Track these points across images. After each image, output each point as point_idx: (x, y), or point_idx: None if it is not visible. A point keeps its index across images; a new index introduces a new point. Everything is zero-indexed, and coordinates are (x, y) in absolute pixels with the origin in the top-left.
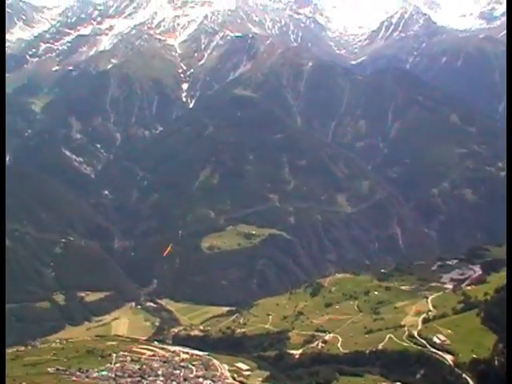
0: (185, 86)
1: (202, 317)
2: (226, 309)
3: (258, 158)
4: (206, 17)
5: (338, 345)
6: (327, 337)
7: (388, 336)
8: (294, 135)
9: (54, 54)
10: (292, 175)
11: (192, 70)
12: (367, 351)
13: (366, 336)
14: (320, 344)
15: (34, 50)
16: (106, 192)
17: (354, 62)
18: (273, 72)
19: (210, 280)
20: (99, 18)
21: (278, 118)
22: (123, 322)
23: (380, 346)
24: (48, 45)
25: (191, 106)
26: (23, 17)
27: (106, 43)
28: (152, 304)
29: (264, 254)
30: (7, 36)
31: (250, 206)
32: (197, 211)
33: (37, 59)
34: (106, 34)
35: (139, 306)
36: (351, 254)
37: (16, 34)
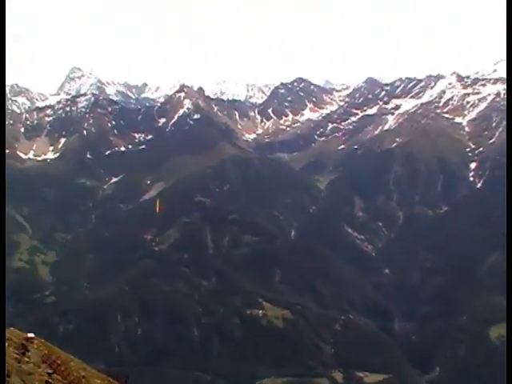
0: (472, 165)
1: None
2: None
3: None
4: (498, 94)
5: None
6: None
7: None
8: None
9: (340, 133)
10: None
11: (481, 149)
12: None
13: None
14: None
15: (321, 130)
16: (387, 271)
17: None
18: None
19: (499, 373)
20: (386, 98)
21: None
22: None
23: None
24: (335, 124)
25: (479, 185)
26: (313, 99)
27: (391, 122)
28: None
29: None
30: (298, 117)
31: None
32: (484, 297)
33: (323, 138)
34: (392, 114)
35: None
36: None
37: (306, 115)
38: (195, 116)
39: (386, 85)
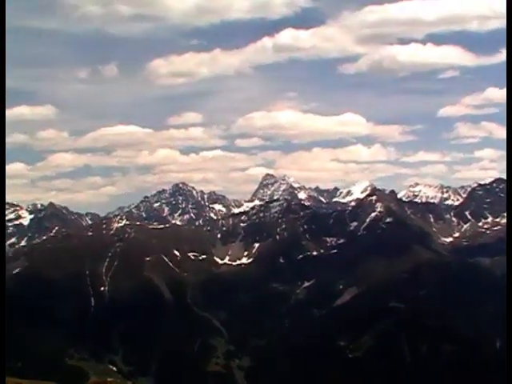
0: None
1: None
2: None
3: None
4: None
5: None
6: None
7: None
8: None
9: None
10: None
11: None
12: None
13: None
14: None
15: None
16: None
17: None
18: None
19: None
20: None
21: None
22: None
23: None
24: None
25: None
26: None
27: None
28: None
29: None
30: (499, 219)
31: None
32: None
33: None
34: None
35: None
36: None
37: None
38: (387, 219)
39: None
